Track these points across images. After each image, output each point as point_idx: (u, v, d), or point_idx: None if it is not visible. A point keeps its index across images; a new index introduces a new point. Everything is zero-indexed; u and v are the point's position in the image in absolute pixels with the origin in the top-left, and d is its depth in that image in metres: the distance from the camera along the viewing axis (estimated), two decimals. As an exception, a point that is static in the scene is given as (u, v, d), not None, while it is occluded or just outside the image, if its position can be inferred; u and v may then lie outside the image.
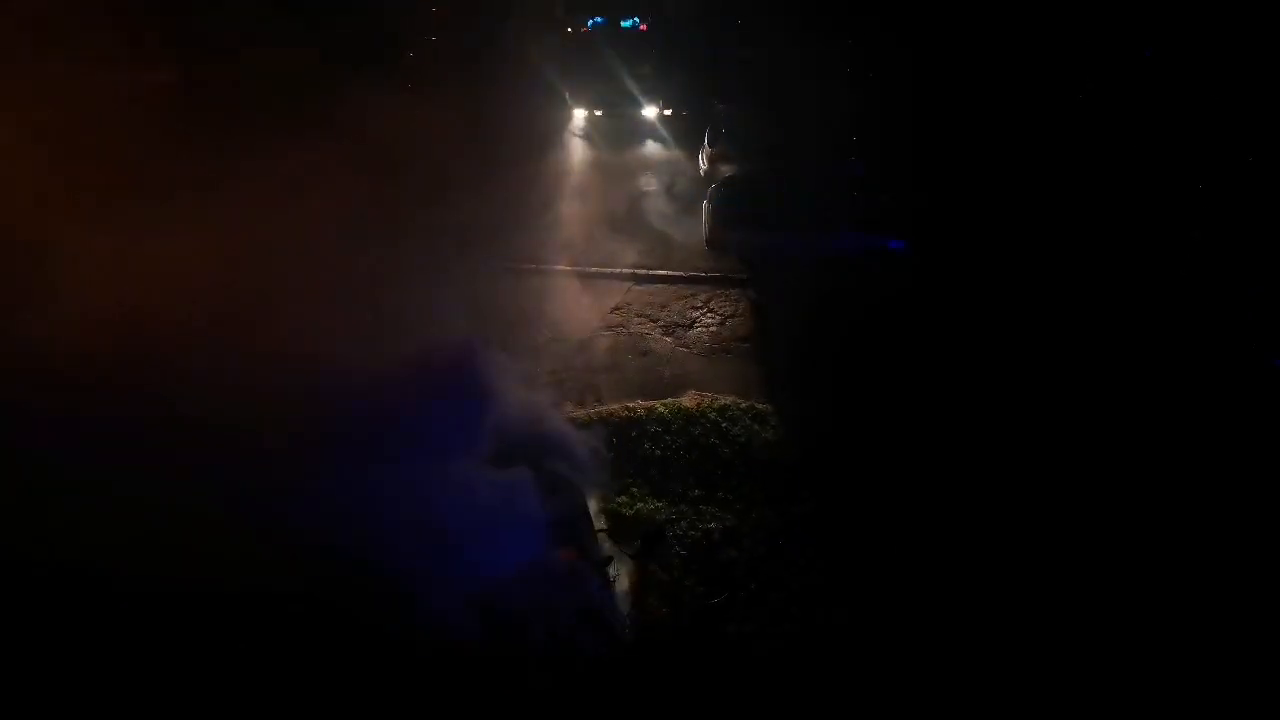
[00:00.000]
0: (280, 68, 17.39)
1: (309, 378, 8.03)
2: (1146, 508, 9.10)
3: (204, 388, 7.92)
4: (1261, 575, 8.36)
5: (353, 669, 7.01)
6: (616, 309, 12.85)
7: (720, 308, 12.89)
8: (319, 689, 6.89)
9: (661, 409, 10.53)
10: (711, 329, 12.47)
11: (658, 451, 9.92)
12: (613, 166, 17.17)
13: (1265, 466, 9.55)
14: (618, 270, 13.71)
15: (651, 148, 17.82)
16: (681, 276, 13.59)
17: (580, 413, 10.52)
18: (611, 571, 8.40)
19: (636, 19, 18.69)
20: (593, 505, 9.13)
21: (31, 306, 8.58)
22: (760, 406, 10.66)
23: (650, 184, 16.54)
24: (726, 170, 14.87)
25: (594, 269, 13.74)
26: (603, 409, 10.62)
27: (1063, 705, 7.38)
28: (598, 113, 18.16)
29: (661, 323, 12.56)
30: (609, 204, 15.72)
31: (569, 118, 18.28)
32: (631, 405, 10.66)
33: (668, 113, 18.08)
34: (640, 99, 17.89)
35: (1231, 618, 7.98)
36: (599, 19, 18.89)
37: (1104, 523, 8.96)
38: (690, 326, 12.51)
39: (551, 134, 17.85)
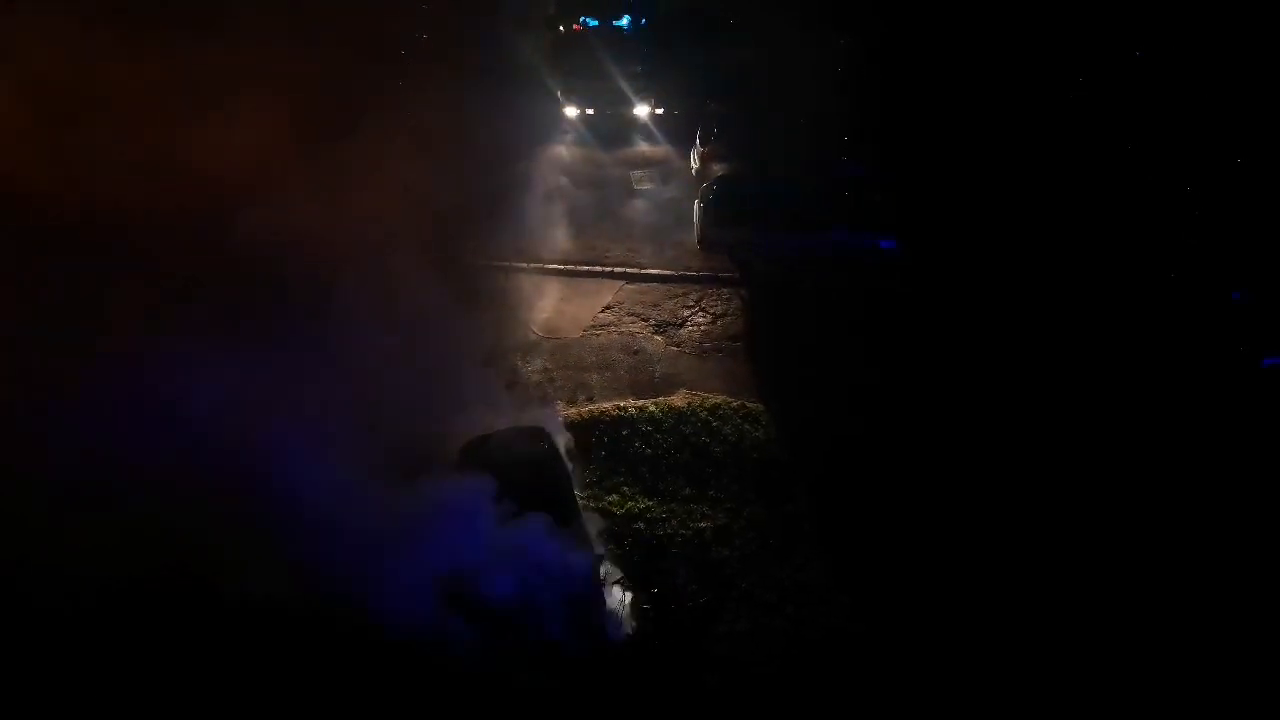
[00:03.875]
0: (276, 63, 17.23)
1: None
2: (1140, 506, 9.13)
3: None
4: (1258, 574, 8.39)
5: (332, 670, 6.96)
6: (607, 308, 12.81)
7: (712, 307, 12.87)
8: (298, 690, 6.84)
9: (652, 408, 10.51)
10: (703, 328, 12.45)
11: (649, 450, 9.89)
12: (604, 165, 17.12)
13: (1258, 465, 9.59)
14: (609, 269, 13.68)
15: (643, 146, 17.78)
16: (673, 275, 13.57)
17: (571, 411, 10.49)
18: (602, 570, 8.37)
19: (629, 17, 18.63)
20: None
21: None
22: (751, 405, 10.65)
23: (642, 183, 16.51)
24: (718, 169, 14.80)
25: (585, 267, 13.71)
26: (594, 408, 10.58)
27: (1061, 706, 7.39)
28: (589, 111, 18.09)
29: (653, 321, 12.53)
30: (600, 202, 15.68)
31: (560, 116, 18.21)
32: (623, 404, 10.63)
33: (659, 111, 18.03)
34: (632, 97, 17.83)
35: (1230, 617, 8.01)
36: (591, 17, 18.82)
37: (1099, 522, 8.99)
38: (681, 325, 12.49)
39: (542, 132, 17.78)
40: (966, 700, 7.43)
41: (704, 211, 13.71)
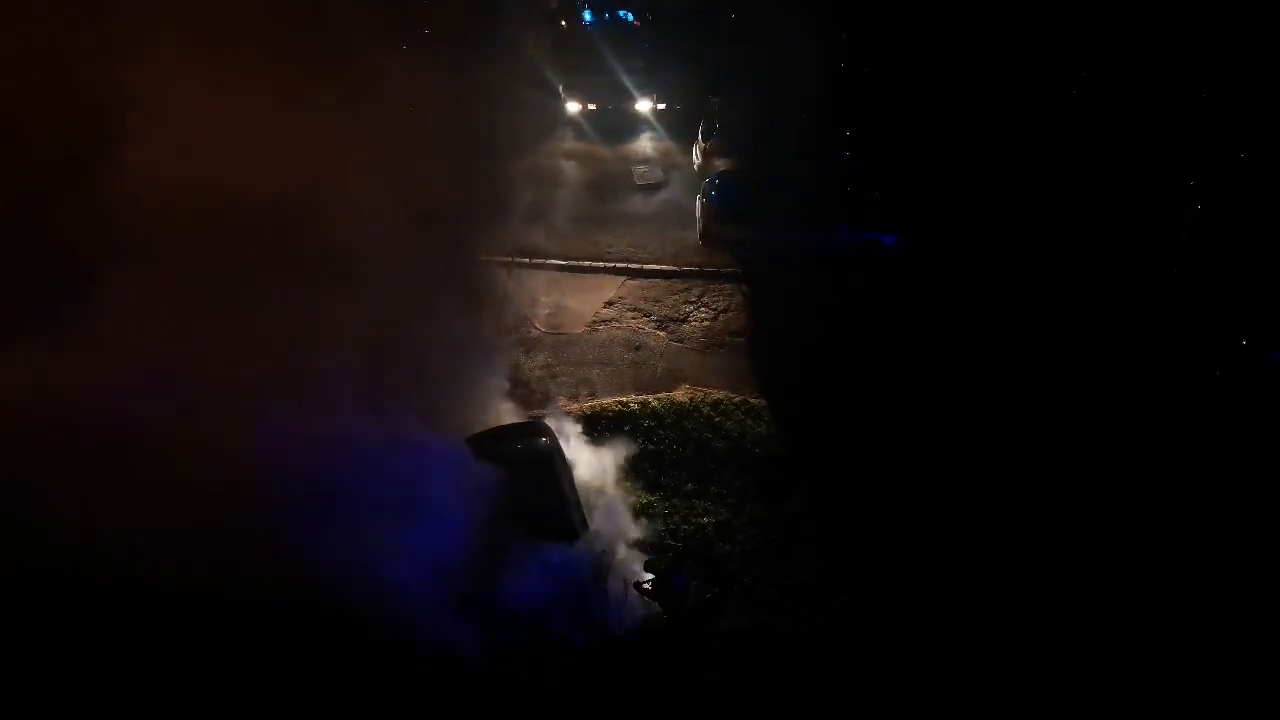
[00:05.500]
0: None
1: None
2: (1142, 503, 9.10)
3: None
4: (1260, 571, 8.37)
5: (337, 668, 6.93)
6: (609, 303, 12.79)
7: (714, 302, 12.84)
8: (300, 689, 6.81)
9: (655, 403, 10.51)
10: (705, 323, 12.42)
11: (650, 446, 9.88)
12: (605, 160, 17.08)
13: (1262, 461, 9.55)
14: (610, 264, 13.65)
15: (645, 141, 17.73)
16: (675, 271, 13.54)
17: (573, 407, 10.48)
18: (603, 565, 8.35)
19: (630, 12, 18.57)
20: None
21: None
22: (753, 401, 10.63)
23: (643, 178, 16.47)
24: (721, 165, 14.77)
25: (586, 263, 13.68)
26: (596, 403, 10.58)
27: (1060, 705, 7.37)
28: (590, 106, 18.04)
29: (655, 317, 12.51)
30: (601, 198, 15.64)
31: (561, 111, 18.16)
32: (624, 399, 10.63)
33: (661, 106, 17.98)
34: (634, 92, 17.78)
35: (1230, 616, 7.98)
36: (592, 12, 18.77)
37: (1100, 519, 8.96)
38: (683, 321, 12.46)
39: (543, 127, 17.73)
40: (966, 700, 7.41)
41: (706, 207, 13.68)
